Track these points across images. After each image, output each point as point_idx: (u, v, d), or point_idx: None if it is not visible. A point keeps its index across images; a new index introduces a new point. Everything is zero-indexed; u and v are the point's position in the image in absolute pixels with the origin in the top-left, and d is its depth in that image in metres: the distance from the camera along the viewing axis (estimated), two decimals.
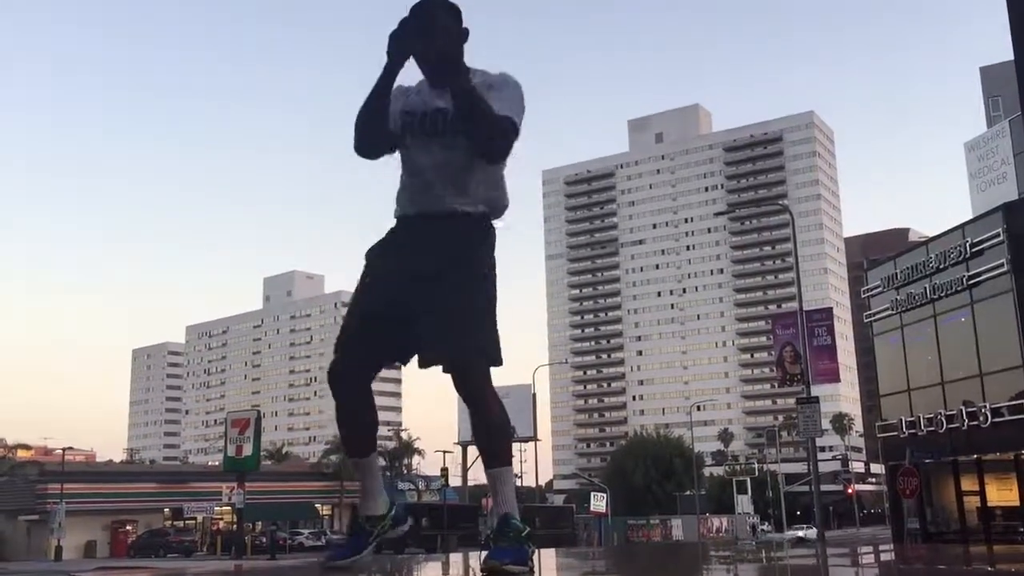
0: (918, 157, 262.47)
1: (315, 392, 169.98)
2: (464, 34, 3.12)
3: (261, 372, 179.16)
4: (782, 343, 31.33)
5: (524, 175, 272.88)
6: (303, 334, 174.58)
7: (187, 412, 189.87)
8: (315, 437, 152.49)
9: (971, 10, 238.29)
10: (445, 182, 3.11)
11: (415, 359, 3.18)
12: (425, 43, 2.99)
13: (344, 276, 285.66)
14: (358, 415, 3.22)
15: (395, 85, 3.11)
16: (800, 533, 69.49)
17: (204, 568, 35.56)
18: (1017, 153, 43.47)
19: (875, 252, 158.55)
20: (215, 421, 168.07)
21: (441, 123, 3.08)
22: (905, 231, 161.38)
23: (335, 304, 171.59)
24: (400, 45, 3.00)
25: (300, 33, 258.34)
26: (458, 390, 3.07)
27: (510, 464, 3.14)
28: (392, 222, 3.31)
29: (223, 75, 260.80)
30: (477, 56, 3.17)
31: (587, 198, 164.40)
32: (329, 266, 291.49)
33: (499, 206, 3.19)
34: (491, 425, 3.09)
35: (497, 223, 3.22)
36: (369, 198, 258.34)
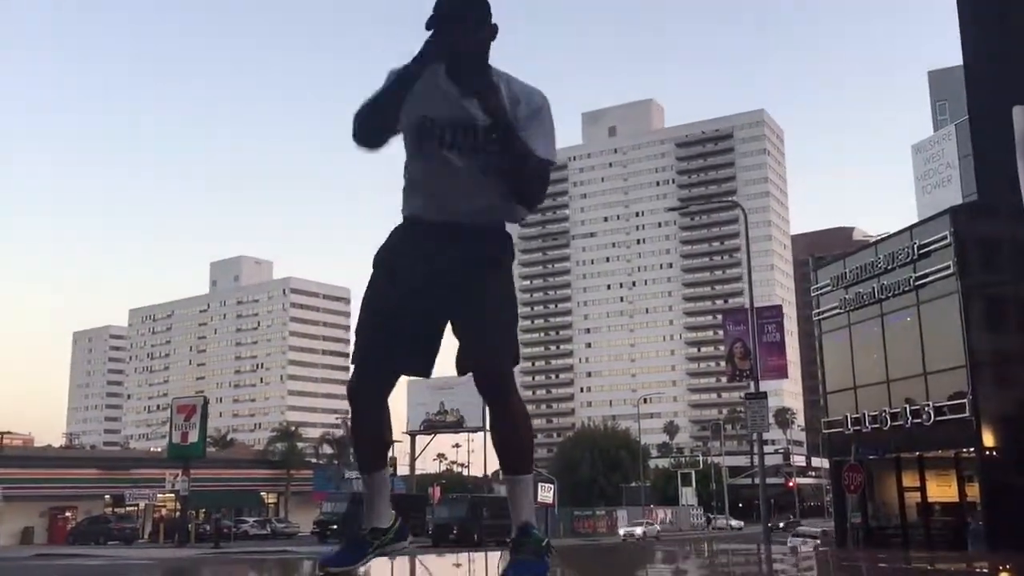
0: (864, 158, 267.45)
1: (261, 379, 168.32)
2: (495, 32, 2.94)
3: (206, 357, 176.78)
4: (732, 339, 31.76)
5: None
6: (250, 320, 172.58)
7: (129, 397, 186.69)
8: (260, 424, 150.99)
9: (921, 15, 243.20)
10: (472, 193, 2.98)
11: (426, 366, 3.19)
12: (465, 43, 2.84)
13: (293, 262, 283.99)
14: (374, 431, 3.18)
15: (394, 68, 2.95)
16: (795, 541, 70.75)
17: (150, 556, 35.17)
18: (963, 156, 44.45)
19: (820, 250, 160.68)
20: (158, 406, 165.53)
21: (472, 139, 2.92)
22: (849, 230, 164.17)
23: (283, 290, 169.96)
24: (438, 47, 2.83)
25: (255, 8, 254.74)
26: (484, 393, 3.01)
27: (531, 472, 3.09)
28: (386, 218, 3.25)
29: (171, 52, 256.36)
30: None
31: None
32: (278, 252, 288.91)
33: (519, 216, 3.12)
34: (518, 430, 3.06)
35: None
36: (321, 185, 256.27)
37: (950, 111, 52.20)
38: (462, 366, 3.03)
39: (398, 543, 3.24)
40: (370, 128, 2.92)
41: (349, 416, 3.24)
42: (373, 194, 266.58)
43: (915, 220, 47.70)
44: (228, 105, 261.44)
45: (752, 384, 29.46)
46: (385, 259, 3.14)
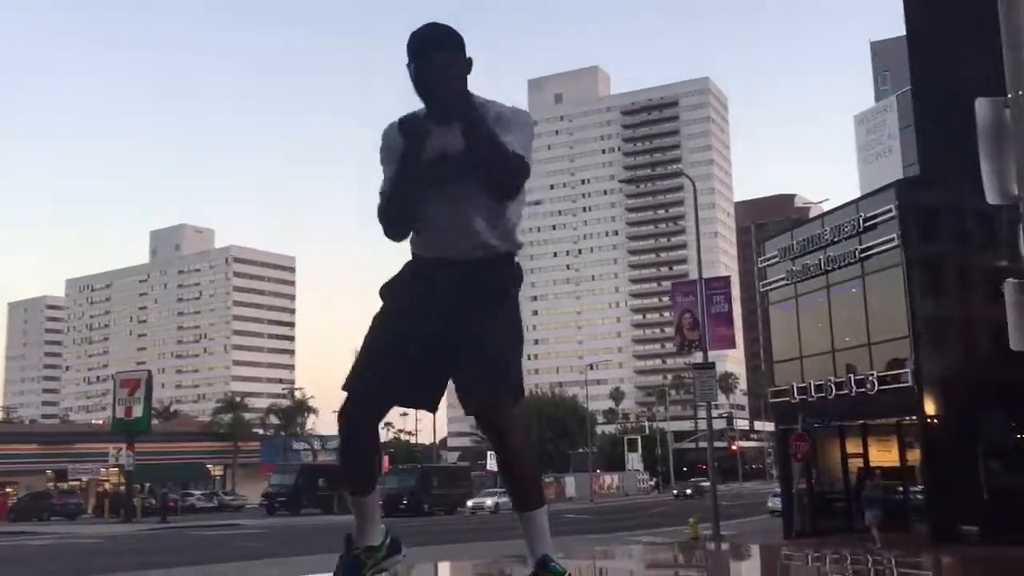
0: (806, 126, 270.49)
1: (204, 349, 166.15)
2: (468, 65, 2.99)
3: (147, 328, 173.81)
4: (681, 310, 32.12)
5: None
6: (192, 289, 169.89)
7: (67, 369, 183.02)
8: (205, 395, 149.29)
9: None
10: (464, 227, 3.01)
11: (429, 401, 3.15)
12: (440, 105, 2.91)
13: (237, 230, 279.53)
14: (363, 455, 3.14)
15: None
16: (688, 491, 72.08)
17: (96, 532, 34.65)
18: (904, 127, 45.23)
19: (762, 217, 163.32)
20: (98, 378, 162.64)
21: (450, 170, 2.96)
22: (791, 197, 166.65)
23: (225, 259, 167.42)
24: (416, 131, 2.92)
25: None
26: (483, 431, 3.00)
27: (541, 506, 3.01)
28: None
29: (108, 15, 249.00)
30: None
31: None
32: (220, 220, 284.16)
33: (516, 242, 3.10)
34: (522, 468, 3.01)
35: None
36: (265, 150, 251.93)
37: (892, 81, 52.93)
38: (465, 407, 2.99)
39: (393, 557, 3.21)
40: (399, 225, 3.05)
41: (338, 439, 3.18)
42: (319, 161, 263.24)
43: (857, 189, 48.48)
44: (167, 69, 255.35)
45: (701, 355, 29.89)
46: (390, 292, 3.16)
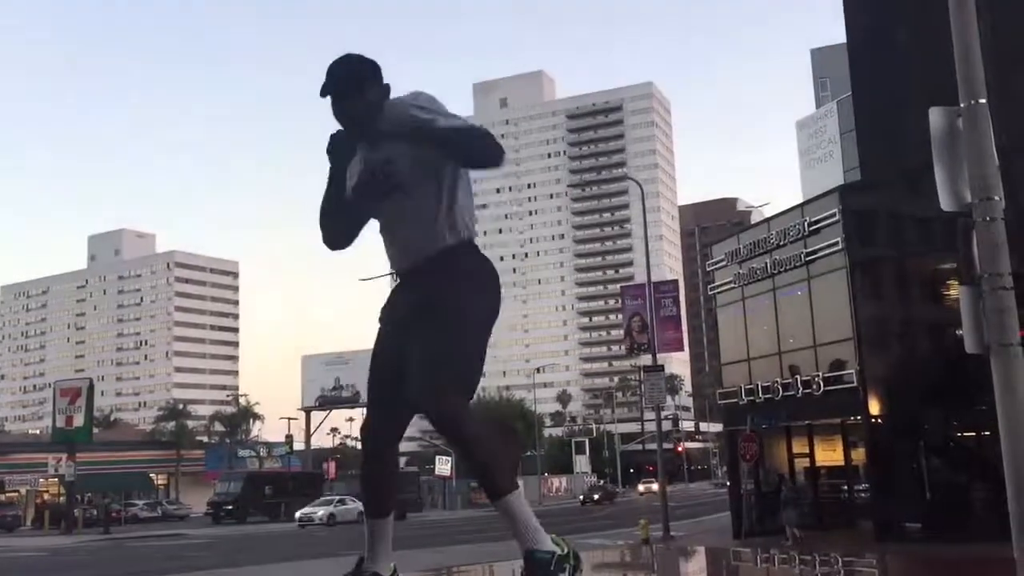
0: (747, 131, 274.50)
1: (145, 356, 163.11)
2: (387, 91, 3.12)
3: (85, 335, 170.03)
4: (631, 313, 32.45)
5: None
6: (132, 295, 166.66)
7: (2, 377, 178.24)
8: (145, 403, 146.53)
9: None
10: (410, 233, 3.12)
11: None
12: (357, 122, 3.07)
13: (179, 235, 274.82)
14: (383, 475, 3.17)
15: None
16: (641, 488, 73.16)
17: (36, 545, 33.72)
18: (844, 133, 46.16)
19: (705, 220, 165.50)
20: (34, 387, 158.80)
21: (385, 179, 3.09)
22: (733, 201, 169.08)
23: (167, 264, 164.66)
24: (340, 150, 3.10)
25: None
26: (436, 430, 2.95)
27: (511, 490, 2.94)
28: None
29: (41, 12, 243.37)
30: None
31: None
32: (161, 224, 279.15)
33: (465, 234, 3.12)
34: (480, 455, 2.95)
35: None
36: (208, 154, 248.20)
37: (832, 88, 53.97)
38: (411, 401, 3.01)
39: None
40: (334, 235, 3.22)
41: (361, 458, 3.24)
42: (264, 164, 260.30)
43: (799, 192, 49.27)
44: (105, 68, 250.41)
45: (650, 357, 30.20)
46: (382, 311, 3.28)
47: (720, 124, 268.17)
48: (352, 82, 3.04)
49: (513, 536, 2.98)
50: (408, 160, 3.04)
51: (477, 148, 3.02)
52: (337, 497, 49.66)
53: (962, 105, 6.76)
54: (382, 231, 3.22)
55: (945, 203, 6.80)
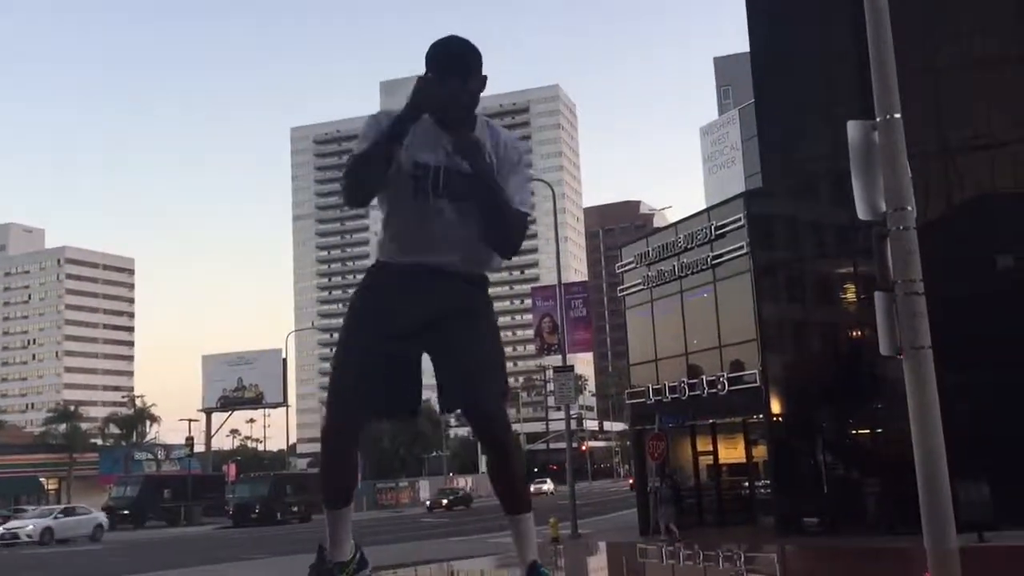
0: (652, 134, 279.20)
1: (33, 355, 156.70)
2: (484, 83, 3.03)
3: None
4: (541, 314, 32.77)
5: (272, 132, 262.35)
6: (19, 292, 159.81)
7: None
8: (33, 404, 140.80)
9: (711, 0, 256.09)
10: (455, 242, 3.00)
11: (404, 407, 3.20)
12: (455, 105, 2.92)
13: (69, 230, 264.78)
14: (345, 470, 3.17)
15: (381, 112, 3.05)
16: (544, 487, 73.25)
17: None
18: (746, 140, 47.49)
19: (610, 222, 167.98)
20: None
21: (462, 188, 2.94)
22: (637, 204, 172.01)
23: (57, 260, 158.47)
24: (430, 102, 2.88)
25: None
26: (480, 434, 3.08)
27: (530, 511, 3.14)
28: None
29: None
30: None
31: (337, 159, 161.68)
32: (50, 219, 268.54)
33: (496, 265, 3.17)
34: (515, 470, 3.14)
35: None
36: (100, 147, 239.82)
37: (734, 96, 55.43)
38: (447, 405, 3.10)
39: (362, 571, 3.25)
40: (364, 188, 2.95)
41: (320, 454, 3.19)
42: (159, 156, 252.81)
43: (701, 195, 50.46)
44: None
45: (560, 358, 30.55)
46: (361, 301, 3.17)
47: (624, 127, 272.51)
48: (464, 64, 2.94)
49: (518, 550, 3.13)
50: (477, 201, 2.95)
51: (502, 235, 2.95)
52: (60, 507, 42.98)
53: (878, 119, 7.09)
54: (412, 223, 3.02)
55: (861, 212, 7.12)
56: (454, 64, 2.92)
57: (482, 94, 3.04)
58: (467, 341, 3.01)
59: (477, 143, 2.93)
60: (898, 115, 7.03)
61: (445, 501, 56.92)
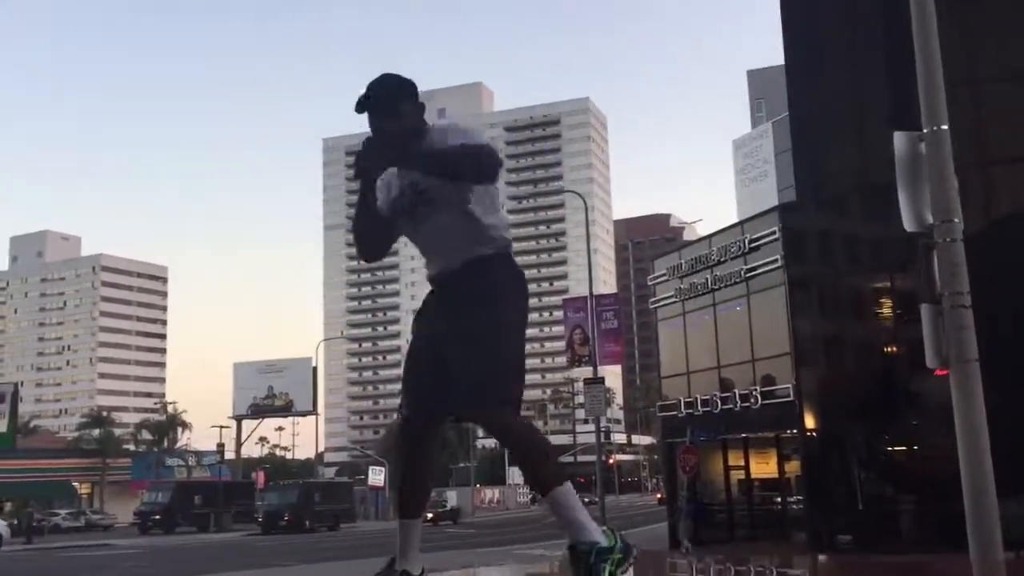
0: (683, 147, 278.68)
1: (67, 361, 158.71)
2: (421, 109, 3.24)
3: (5, 339, 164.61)
4: (572, 325, 32.72)
5: (304, 143, 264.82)
6: (55, 299, 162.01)
7: None
8: (66, 410, 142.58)
9: (743, 15, 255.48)
10: (444, 247, 3.24)
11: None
12: (398, 154, 3.14)
13: (103, 237, 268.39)
14: (416, 475, 3.23)
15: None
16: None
17: None
18: (779, 153, 47.28)
19: (640, 235, 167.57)
20: None
21: (417, 196, 3.21)
22: (667, 216, 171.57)
23: (92, 268, 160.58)
24: (367, 168, 3.15)
25: None
26: (486, 432, 3.16)
27: (560, 484, 3.07)
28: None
29: None
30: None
31: None
32: (87, 227, 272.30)
33: (500, 244, 3.25)
34: (525, 453, 3.14)
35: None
36: (136, 156, 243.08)
37: (767, 109, 55.19)
38: (452, 412, 3.21)
39: None
40: (369, 247, 3.33)
41: (398, 458, 3.29)
42: (193, 169, 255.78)
43: (732, 209, 50.24)
44: (29, 63, 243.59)
45: (592, 369, 30.51)
46: (418, 312, 3.38)
47: (655, 140, 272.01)
48: (387, 101, 3.15)
49: (560, 526, 3.11)
50: (432, 179, 3.15)
51: (468, 168, 3.09)
52: None
53: (924, 130, 7.07)
54: (416, 244, 3.35)
55: (908, 224, 7.09)
56: (376, 103, 3.16)
57: (425, 115, 3.28)
58: (459, 351, 3.07)
59: (419, 153, 3.13)
60: (945, 127, 7.00)
61: (431, 515, 51.45)
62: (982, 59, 22.75)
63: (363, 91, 3.18)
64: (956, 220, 6.87)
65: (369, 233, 3.29)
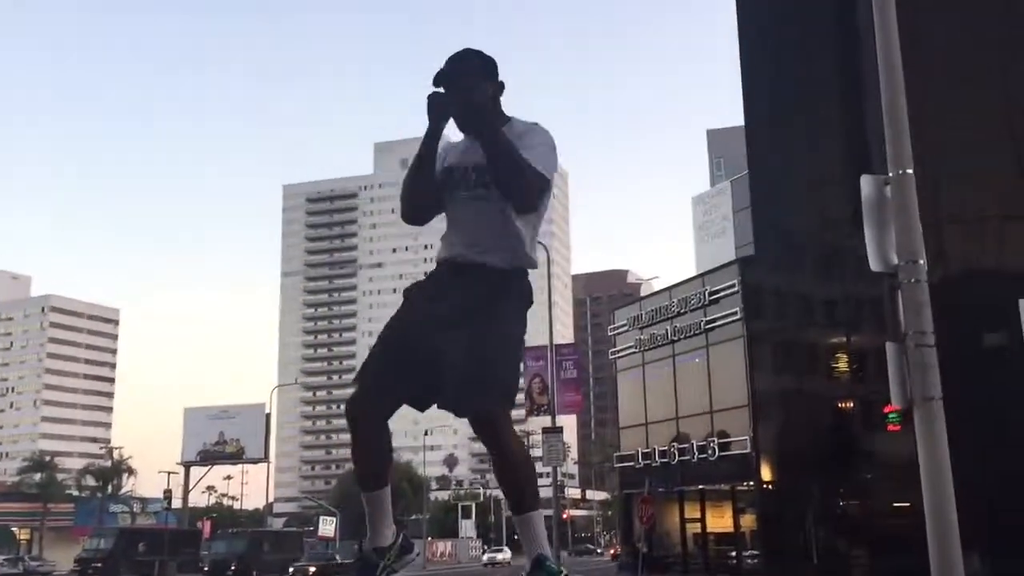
0: (641, 203, 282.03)
1: (11, 404, 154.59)
2: (500, 88, 3.26)
3: None
4: (531, 374, 32.62)
5: (264, 189, 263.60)
6: (2, 339, 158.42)
7: None
8: (8, 453, 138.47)
9: (703, 76, 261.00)
10: (478, 235, 3.17)
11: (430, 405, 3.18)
12: (461, 104, 3.13)
13: (54, 277, 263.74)
14: (374, 450, 3.17)
15: (445, 143, 3.25)
16: (498, 556, 71.19)
17: None
18: (737, 211, 48.11)
19: (597, 290, 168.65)
20: None
21: (476, 178, 3.16)
22: (624, 272, 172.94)
23: (42, 308, 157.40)
24: (438, 109, 3.13)
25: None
26: (478, 435, 3.12)
27: (535, 509, 3.14)
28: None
29: None
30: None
31: (328, 217, 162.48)
32: (37, 266, 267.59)
33: (527, 262, 3.22)
34: (517, 471, 3.13)
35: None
36: (93, 196, 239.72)
37: (725, 168, 56.24)
38: (442, 406, 3.11)
39: (405, 556, 3.23)
40: (417, 207, 3.27)
41: (349, 433, 3.18)
42: (153, 210, 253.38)
43: (692, 268, 50.88)
44: None
45: (551, 418, 30.37)
46: (410, 292, 3.31)
47: (614, 196, 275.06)
48: (468, 77, 3.16)
49: (524, 547, 3.14)
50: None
51: (515, 185, 3.06)
52: None
53: (890, 174, 7.26)
54: (452, 222, 3.26)
55: (874, 264, 7.24)
56: (454, 72, 3.17)
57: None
58: (466, 341, 3.04)
59: (473, 108, 3.13)
60: (910, 170, 7.20)
61: (312, 570, 44.82)
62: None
63: (442, 65, 3.19)
64: (920, 261, 7.03)
65: (420, 196, 3.24)
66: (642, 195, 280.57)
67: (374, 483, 3.15)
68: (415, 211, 3.28)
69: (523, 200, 3.12)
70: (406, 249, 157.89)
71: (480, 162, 3.12)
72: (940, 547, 6.61)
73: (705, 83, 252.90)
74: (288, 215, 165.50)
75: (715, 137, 59.88)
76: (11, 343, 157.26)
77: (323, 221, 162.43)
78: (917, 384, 6.82)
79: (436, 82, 3.17)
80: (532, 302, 3.30)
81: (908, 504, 20.69)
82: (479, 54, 3.27)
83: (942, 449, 6.76)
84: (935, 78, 19.58)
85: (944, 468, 6.74)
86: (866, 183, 7.33)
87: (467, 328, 3.05)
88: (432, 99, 3.13)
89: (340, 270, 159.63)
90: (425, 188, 3.20)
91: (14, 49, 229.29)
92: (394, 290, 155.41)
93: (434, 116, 3.14)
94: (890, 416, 22.18)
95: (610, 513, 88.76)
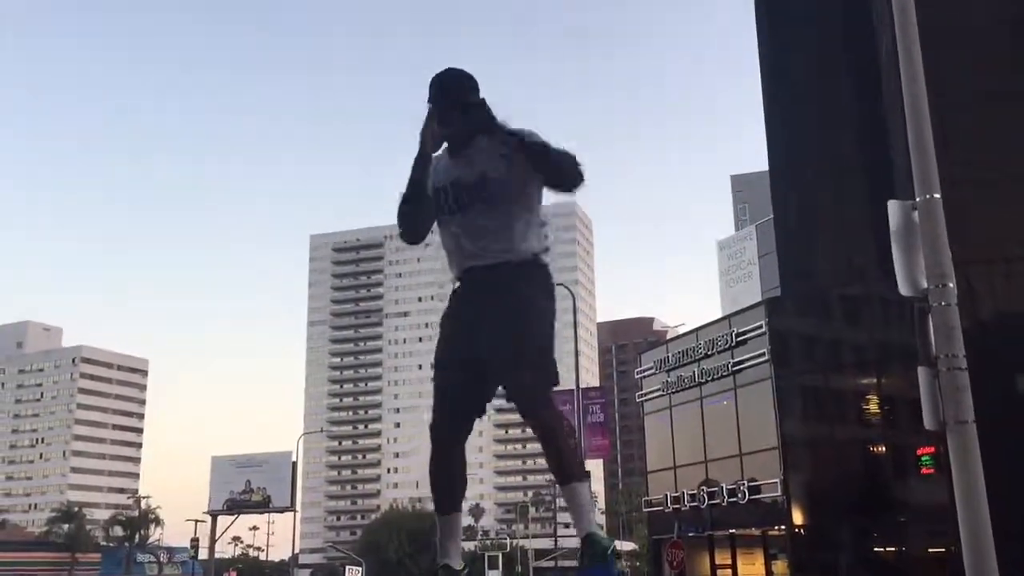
0: (667, 250, 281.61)
1: (40, 454, 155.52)
2: (486, 108, 3.39)
3: None
4: None
5: (292, 240, 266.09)
6: (32, 390, 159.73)
7: None
8: (36, 504, 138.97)
9: (728, 119, 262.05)
10: (476, 243, 3.36)
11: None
12: (456, 124, 3.30)
13: (86, 329, 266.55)
14: (450, 473, 3.32)
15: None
16: None
17: None
18: (762, 255, 48.10)
19: (623, 338, 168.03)
20: None
21: (459, 197, 3.35)
22: (650, 320, 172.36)
23: (72, 359, 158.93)
24: (431, 134, 3.31)
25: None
26: (523, 415, 3.23)
27: (583, 480, 3.26)
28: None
29: None
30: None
31: (354, 266, 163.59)
32: (69, 318, 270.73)
33: (533, 247, 3.39)
34: (553, 442, 3.25)
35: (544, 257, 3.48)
36: (121, 246, 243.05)
37: (750, 213, 56.34)
38: (494, 384, 3.32)
39: None
40: (414, 227, 3.41)
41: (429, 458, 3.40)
42: (182, 261, 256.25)
43: (717, 312, 50.76)
44: (11, 152, 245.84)
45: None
46: (441, 320, 3.53)
47: (640, 242, 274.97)
48: (461, 90, 3.33)
49: (574, 521, 3.23)
50: (500, 177, 3.30)
51: (567, 168, 3.26)
52: None
53: (917, 199, 7.31)
54: (453, 236, 3.42)
55: (904, 289, 7.26)
56: (440, 95, 3.33)
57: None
58: (511, 329, 3.22)
59: (486, 111, 3.29)
60: (938, 195, 7.24)
61: None
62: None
63: (433, 80, 3.35)
64: (950, 285, 7.04)
65: (417, 212, 3.38)
66: (667, 243, 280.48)
67: (448, 506, 3.30)
68: (415, 234, 3.45)
69: (574, 178, 3.29)
70: (432, 298, 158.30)
71: (460, 178, 3.32)
72: (976, 564, 6.53)
73: (731, 127, 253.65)
74: (314, 264, 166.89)
75: (739, 182, 60.10)
76: (42, 394, 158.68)
77: (349, 271, 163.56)
78: (950, 407, 6.79)
79: (432, 100, 3.32)
80: (553, 286, 3.48)
81: (943, 549, 20.37)
82: (460, 70, 3.41)
83: (976, 474, 6.70)
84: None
85: (979, 492, 6.68)
86: (893, 209, 7.38)
87: (506, 321, 3.22)
88: (441, 107, 3.28)
89: (366, 319, 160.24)
90: (421, 212, 3.38)
91: (44, 91, 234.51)
92: (420, 339, 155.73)
93: (421, 143, 3.29)
94: (923, 459, 22.06)
95: (638, 563, 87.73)
